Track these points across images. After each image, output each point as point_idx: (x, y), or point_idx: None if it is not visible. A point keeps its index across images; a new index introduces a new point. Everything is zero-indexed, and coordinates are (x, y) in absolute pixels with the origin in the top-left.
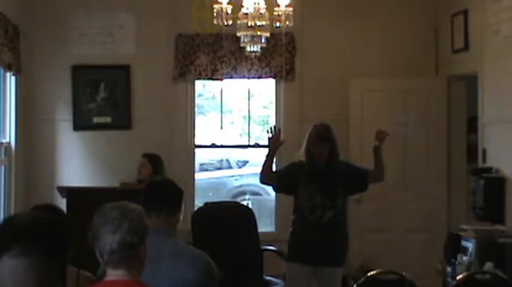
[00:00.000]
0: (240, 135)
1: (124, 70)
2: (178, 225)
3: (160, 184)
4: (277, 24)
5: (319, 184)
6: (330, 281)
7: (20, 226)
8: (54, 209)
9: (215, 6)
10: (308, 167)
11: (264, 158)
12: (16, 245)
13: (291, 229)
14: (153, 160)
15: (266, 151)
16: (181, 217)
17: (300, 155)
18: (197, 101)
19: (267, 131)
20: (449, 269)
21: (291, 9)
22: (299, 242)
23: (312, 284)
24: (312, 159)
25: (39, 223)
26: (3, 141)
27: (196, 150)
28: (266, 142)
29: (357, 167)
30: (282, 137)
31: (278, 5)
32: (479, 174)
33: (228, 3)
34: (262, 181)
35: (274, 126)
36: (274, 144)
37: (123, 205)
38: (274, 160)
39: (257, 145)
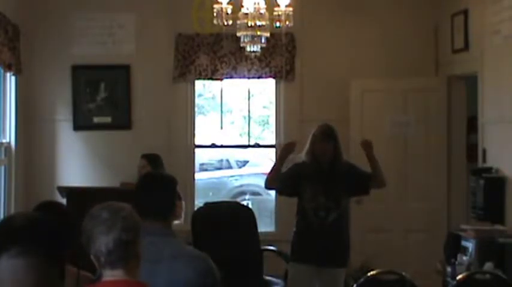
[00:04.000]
0: (240, 135)
1: (124, 70)
2: (178, 226)
3: (148, 187)
4: (277, 24)
5: (322, 184)
6: (332, 282)
7: (19, 226)
8: (59, 207)
9: (215, 6)
10: (312, 167)
11: (272, 163)
12: (15, 245)
13: (294, 229)
14: (153, 160)
15: (266, 151)
16: (183, 206)
17: (302, 156)
18: (197, 101)
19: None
20: (449, 269)
21: (291, 9)
22: (303, 242)
23: (314, 285)
24: (316, 159)
25: (39, 223)
26: (3, 141)
27: (196, 150)
28: (267, 142)
29: (360, 169)
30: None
31: (278, 5)
32: (479, 174)
33: (228, 3)
34: (268, 187)
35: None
36: (287, 148)
37: (112, 204)
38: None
39: (257, 145)
